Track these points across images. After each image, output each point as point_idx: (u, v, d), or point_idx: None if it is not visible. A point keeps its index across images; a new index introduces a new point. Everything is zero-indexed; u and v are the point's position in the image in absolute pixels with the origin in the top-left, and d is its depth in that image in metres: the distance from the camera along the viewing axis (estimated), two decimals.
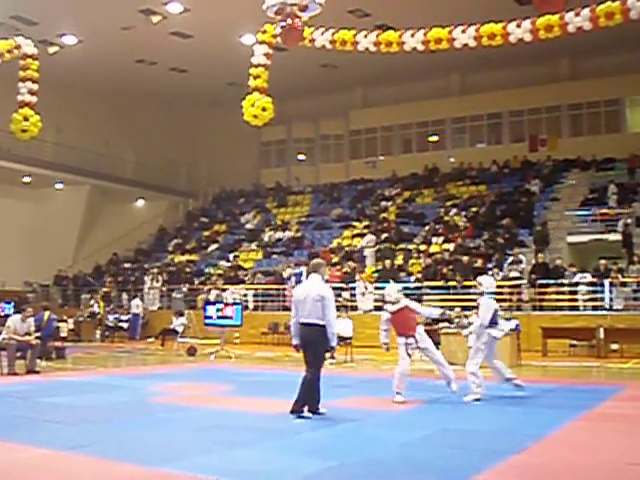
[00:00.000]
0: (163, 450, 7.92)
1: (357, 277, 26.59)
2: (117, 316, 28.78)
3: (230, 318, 21.17)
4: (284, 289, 27.94)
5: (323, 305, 9.93)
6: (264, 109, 17.03)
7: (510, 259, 25.40)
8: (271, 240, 34.54)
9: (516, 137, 37.18)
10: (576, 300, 22.83)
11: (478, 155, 36.97)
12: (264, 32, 17.60)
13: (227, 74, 31.28)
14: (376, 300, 25.58)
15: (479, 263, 25.25)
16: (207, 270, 32.19)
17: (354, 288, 26.27)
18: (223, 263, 32.68)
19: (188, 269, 32.74)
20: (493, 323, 11.72)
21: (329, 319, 9.94)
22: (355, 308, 25.49)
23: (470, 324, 18.73)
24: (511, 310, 21.99)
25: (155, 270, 32.11)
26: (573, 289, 23.01)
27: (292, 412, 9.89)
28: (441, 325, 19.80)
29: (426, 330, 20.58)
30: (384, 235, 30.72)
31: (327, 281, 11.66)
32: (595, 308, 22.46)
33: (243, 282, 29.34)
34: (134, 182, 38.01)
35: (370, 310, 25.27)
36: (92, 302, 30.34)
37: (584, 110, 35.90)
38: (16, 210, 35.16)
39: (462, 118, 38.49)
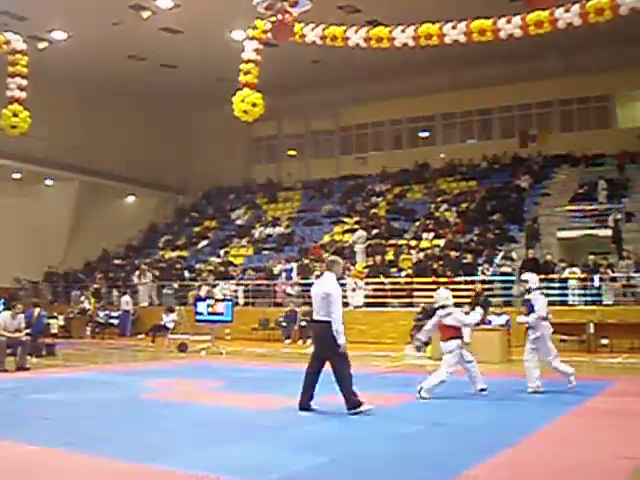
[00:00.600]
0: (154, 446, 7.91)
1: (347, 273, 26.57)
2: (107, 312, 28.71)
3: (221, 314, 21.19)
4: (274, 285, 27.96)
5: (328, 302, 9.94)
6: (254, 105, 17.00)
7: (501, 254, 25.47)
8: (261, 236, 34.51)
9: (506, 133, 37.23)
10: (566, 295, 22.87)
11: (468, 151, 37.01)
12: (254, 28, 17.56)
13: (217, 70, 31.17)
14: (366, 296, 25.62)
15: (469, 259, 25.29)
16: (197, 266, 32.15)
17: (344, 284, 26.25)
18: (213, 259, 32.65)
19: (178, 265, 32.70)
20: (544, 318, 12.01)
21: (334, 317, 9.94)
22: (346, 304, 25.47)
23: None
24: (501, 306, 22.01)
25: (145, 266, 32.05)
26: (563, 284, 23.05)
27: (349, 411, 9.84)
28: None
29: (417, 326, 20.73)
30: (375, 231, 30.72)
31: (340, 278, 11.59)
32: (585, 303, 22.53)
33: (233, 278, 29.31)
34: (124, 178, 37.85)
35: (360, 306, 25.28)
36: (82, 299, 30.30)
37: (574, 106, 35.98)
38: (6, 206, 34.97)
39: (452, 114, 38.55)
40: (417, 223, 30.82)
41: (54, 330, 23.24)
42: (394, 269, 26.85)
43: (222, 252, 33.35)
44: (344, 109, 40.63)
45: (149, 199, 41.55)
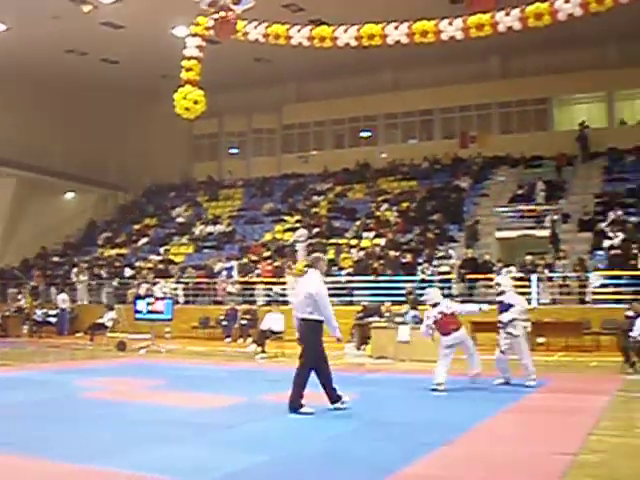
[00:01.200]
0: (92, 446, 7.81)
1: (288, 271, 26.61)
2: (45, 311, 28.24)
3: (160, 312, 21.06)
4: (215, 283, 27.84)
5: (315, 301, 9.97)
6: (196, 102, 16.88)
7: (440, 254, 25.73)
8: (202, 234, 34.35)
9: (447, 134, 37.60)
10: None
11: (410, 151, 37.27)
12: (197, 24, 17.43)
13: (159, 66, 30.90)
14: None
15: (409, 258, 25.50)
16: (137, 264, 31.85)
17: (285, 282, 26.27)
18: (153, 257, 32.38)
19: (118, 263, 32.36)
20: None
21: (325, 314, 10.05)
22: (287, 302, 25.48)
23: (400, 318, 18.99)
24: None
25: (84, 264, 31.66)
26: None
27: (332, 403, 10.04)
28: (371, 319, 19.96)
29: (357, 324, 20.84)
30: (316, 230, 30.79)
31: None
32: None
33: (173, 276, 29.11)
34: (63, 174, 37.30)
35: None
36: (19, 296, 29.82)
37: (513, 108, 36.49)
38: None
39: (394, 114, 38.78)
40: (358, 222, 30.96)
41: None
42: (335, 268, 26.93)
43: (162, 250, 33.11)
44: (286, 108, 40.63)
45: (88, 196, 40.98)
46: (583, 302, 22.52)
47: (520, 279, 23.02)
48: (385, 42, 15.93)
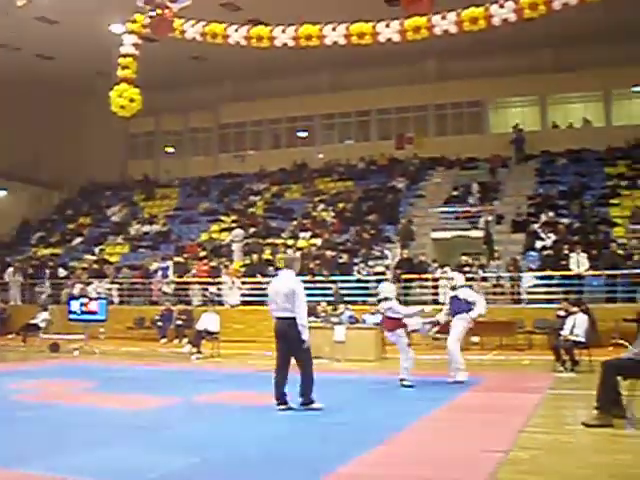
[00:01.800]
0: (21, 450, 7.70)
1: (224, 271, 26.53)
2: None
3: (94, 313, 20.83)
4: (150, 283, 27.61)
5: (294, 298, 10.16)
6: (132, 100, 16.72)
7: (375, 254, 25.89)
8: (138, 233, 34.04)
9: (383, 135, 37.77)
10: (438, 294, 23.37)
11: (346, 152, 37.41)
12: (134, 22, 17.27)
13: (95, 63, 30.48)
14: (243, 295, 25.61)
15: (345, 258, 25.61)
16: (72, 264, 31.40)
17: (221, 283, 26.20)
18: (88, 257, 31.97)
19: (52, 263, 31.86)
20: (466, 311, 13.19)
21: (298, 312, 10.17)
22: (222, 303, 25.42)
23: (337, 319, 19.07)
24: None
25: (17, 264, 31.12)
26: (436, 284, 23.56)
27: (302, 404, 10.19)
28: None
29: None
30: (252, 229, 30.74)
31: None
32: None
33: (108, 276, 28.77)
34: None
35: (237, 305, 25.26)
36: None
37: (449, 110, 36.91)
38: None
39: (331, 115, 38.89)
40: (294, 222, 31.00)
41: None
42: (271, 268, 26.90)
43: (97, 250, 32.72)
44: (223, 107, 40.45)
45: (22, 194, 40.23)
46: (516, 302, 22.87)
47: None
48: (323, 43, 15.97)
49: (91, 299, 22.00)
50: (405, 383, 12.45)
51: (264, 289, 25.31)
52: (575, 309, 15.35)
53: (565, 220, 26.44)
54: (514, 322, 20.67)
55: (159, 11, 15.20)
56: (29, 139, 36.75)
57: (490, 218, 27.59)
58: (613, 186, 29.02)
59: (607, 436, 8.27)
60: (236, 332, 23.44)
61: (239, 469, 6.86)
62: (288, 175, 36.99)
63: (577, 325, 14.75)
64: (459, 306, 13.48)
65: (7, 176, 37.30)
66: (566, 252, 23.36)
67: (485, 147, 33.42)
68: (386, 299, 12.80)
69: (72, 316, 21.16)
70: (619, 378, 8.94)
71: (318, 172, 36.56)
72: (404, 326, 12.89)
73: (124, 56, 16.95)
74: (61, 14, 28.13)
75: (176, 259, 28.68)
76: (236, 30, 16.54)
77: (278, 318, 10.41)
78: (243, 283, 25.89)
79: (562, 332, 15.01)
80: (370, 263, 25.30)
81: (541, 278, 23.05)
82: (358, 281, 23.83)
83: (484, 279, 23.47)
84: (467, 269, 23.20)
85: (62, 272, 30.30)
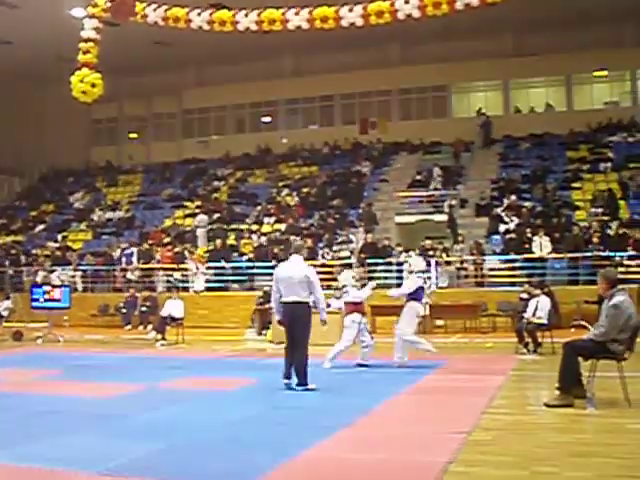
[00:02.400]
0: None
1: (188, 257, 26.45)
2: None
3: (58, 301, 20.67)
4: (114, 270, 27.45)
5: (310, 284, 10.63)
6: (93, 85, 16.56)
7: (340, 239, 25.95)
8: (101, 220, 33.81)
9: (347, 119, 37.82)
10: (402, 278, 23.45)
11: (310, 136, 37.42)
12: (95, 5, 17.09)
13: (56, 48, 30.09)
14: (207, 280, 25.57)
15: (309, 243, 25.63)
16: (34, 251, 31.10)
17: (186, 269, 26.13)
18: (51, 244, 31.67)
19: (14, 250, 31.52)
20: (416, 298, 13.27)
21: (318, 297, 10.74)
22: (186, 289, 25.36)
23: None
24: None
25: None
26: (400, 268, 23.65)
27: (298, 385, 10.53)
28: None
29: (258, 310, 20.91)
30: (216, 215, 30.67)
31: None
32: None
33: (71, 263, 28.54)
34: None
35: (202, 291, 25.22)
36: None
37: (413, 95, 37.04)
38: None
39: (295, 100, 38.87)
40: (259, 208, 30.98)
41: None
42: (235, 253, 26.90)
43: (60, 237, 32.43)
44: (187, 92, 40.24)
45: None
46: (479, 285, 23.06)
47: None
48: (286, 27, 15.94)
49: (54, 287, 21.82)
50: (326, 364, 12.78)
51: (228, 274, 25.49)
52: (538, 292, 15.49)
53: (528, 204, 26.69)
54: (478, 305, 20.85)
55: None
56: None
57: (454, 202, 27.79)
58: (575, 170, 29.34)
59: (568, 416, 8.39)
60: (201, 318, 23.42)
61: (204, 454, 6.86)
62: (252, 160, 36.93)
63: (540, 308, 14.89)
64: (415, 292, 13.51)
65: None
66: (529, 235, 23.59)
67: (448, 131, 33.58)
68: (344, 286, 13.21)
69: (35, 304, 20.97)
70: (580, 359, 9.08)
71: (282, 157, 36.56)
72: (359, 312, 13.24)
73: (85, 41, 16.77)
74: None
75: (140, 246, 28.50)
76: (199, 14, 16.45)
77: (289, 302, 10.68)
78: (208, 269, 25.83)
79: (525, 315, 15.15)
80: (335, 248, 25.36)
81: (504, 261, 23.26)
82: (322, 265, 23.87)
83: (448, 263, 23.63)
84: (431, 253, 23.38)
85: (24, 259, 30.00)
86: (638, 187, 26.51)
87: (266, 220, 29.72)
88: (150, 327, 21.31)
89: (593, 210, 25.73)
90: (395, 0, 14.78)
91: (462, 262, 23.76)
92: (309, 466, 6.46)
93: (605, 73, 34.32)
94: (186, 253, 26.89)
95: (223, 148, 38.16)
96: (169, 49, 33.88)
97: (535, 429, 7.87)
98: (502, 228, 25.22)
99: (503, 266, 23.25)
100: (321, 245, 25.78)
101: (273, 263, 24.19)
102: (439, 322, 21.14)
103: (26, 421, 8.61)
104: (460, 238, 24.74)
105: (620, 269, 19.72)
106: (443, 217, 26.88)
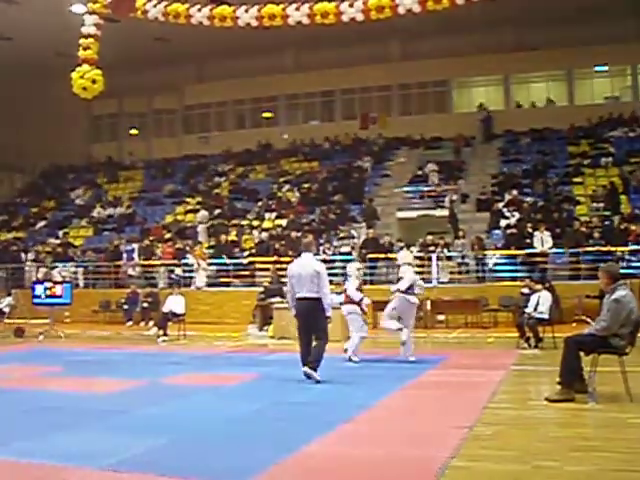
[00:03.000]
0: None
1: (190, 253, 26.44)
2: None
3: (59, 297, 20.67)
4: (116, 266, 27.44)
5: (319, 279, 10.81)
6: (94, 81, 16.58)
7: (342, 234, 25.95)
8: (102, 216, 33.80)
9: (348, 115, 37.81)
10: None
11: (311, 132, 37.42)
12: (95, 2, 17.11)
13: (56, 44, 30.05)
14: (209, 276, 25.57)
15: (310, 238, 25.59)
16: (35, 248, 31.11)
17: (187, 264, 26.12)
18: (52, 240, 31.68)
19: (15, 247, 31.53)
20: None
21: (325, 292, 10.87)
22: (188, 285, 25.36)
23: None
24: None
25: None
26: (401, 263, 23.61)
27: (308, 366, 10.71)
28: (273, 300, 20.01)
29: (259, 305, 20.90)
30: (217, 211, 30.66)
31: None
32: (423, 281, 23.16)
33: (73, 259, 28.56)
34: None
35: (203, 287, 25.22)
36: None
37: (413, 90, 37.01)
38: None
39: (295, 95, 38.83)
40: (259, 203, 30.97)
41: None
42: (237, 249, 26.89)
43: (61, 233, 32.43)
44: (187, 88, 40.24)
45: None
46: (481, 280, 23.05)
47: (420, 258, 23.42)
48: (286, 23, 15.97)
49: (56, 283, 21.83)
50: (353, 359, 12.87)
51: (230, 270, 25.49)
52: (539, 287, 15.48)
53: (529, 199, 26.67)
54: (479, 300, 20.85)
55: None
56: None
57: (455, 197, 27.78)
58: (576, 165, 29.32)
59: (569, 410, 8.39)
60: (203, 314, 23.42)
61: (206, 449, 6.87)
62: (253, 156, 36.92)
63: (541, 302, 14.89)
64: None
65: None
66: (530, 230, 23.54)
67: (449, 126, 33.57)
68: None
69: (36, 300, 20.97)
70: (581, 354, 9.08)
71: (283, 153, 36.53)
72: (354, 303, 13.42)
73: (85, 37, 16.80)
74: None
75: (141, 242, 28.49)
76: (199, 10, 16.49)
77: (303, 299, 10.90)
78: (209, 265, 25.84)
79: (526, 310, 15.14)
80: (335, 243, 25.36)
81: (505, 257, 23.25)
82: (324, 261, 23.82)
83: (449, 258, 23.63)
84: (432, 248, 23.39)
85: (25, 256, 30.01)
86: (639, 182, 26.48)
87: (267, 216, 29.71)
88: (151, 323, 21.32)
89: (594, 205, 25.72)
90: None
91: (463, 257, 23.76)
92: (310, 461, 6.46)
93: (606, 68, 34.33)
94: (187, 249, 26.89)
95: (224, 144, 38.14)
96: (169, 45, 33.84)
97: (536, 424, 7.87)
98: (503, 223, 25.19)
99: (504, 261, 23.24)
100: (322, 241, 25.75)
101: (274, 259, 24.27)
102: (440, 317, 21.15)
103: (28, 417, 8.61)
104: (461, 233, 24.72)
105: (621, 264, 19.75)
106: (444, 212, 26.89)
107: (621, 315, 8.82)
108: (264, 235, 27.19)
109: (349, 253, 24.38)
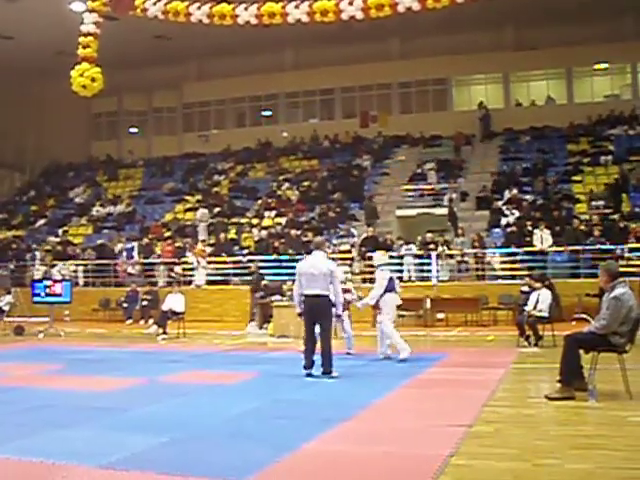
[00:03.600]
0: None
1: (189, 252, 26.44)
2: None
3: (59, 295, 20.68)
4: (115, 265, 27.44)
5: (333, 278, 11.10)
6: (93, 79, 16.56)
7: (341, 232, 25.95)
8: (101, 214, 33.79)
9: (348, 113, 37.82)
10: (403, 272, 23.48)
11: (310, 130, 37.40)
12: (94, 0, 17.11)
13: (56, 42, 30.03)
14: (209, 274, 25.57)
15: (310, 237, 25.62)
16: (35, 246, 31.10)
17: (187, 263, 26.12)
18: (52, 239, 31.67)
19: (15, 245, 31.52)
20: (390, 290, 13.20)
21: (337, 290, 11.23)
22: (188, 283, 25.36)
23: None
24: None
25: None
26: (401, 261, 23.66)
27: (324, 373, 10.98)
28: (272, 298, 20.01)
29: (259, 303, 20.90)
30: (217, 209, 30.66)
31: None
32: (422, 279, 23.23)
33: (72, 258, 28.55)
34: None
35: (203, 285, 25.22)
36: None
37: (413, 88, 36.99)
38: None
39: (295, 93, 38.83)
40: (259, 201, 30.98)
41: None
42: (236, 247, 26.90)
43: (61, 231, 32.44)
44: (187, 86, 40.24)
45: None
46: (481, 278, 23.05)
47: (420, 257, 23.45)
48: (286, 21, 15.94)
49: (55, 281, 21.82)
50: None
51: (229, 268, 25.48)
52: (539, 285, 15.47)
53: (528, 197, 26.70)
54: (479, 298, 20.85)
55: None
56: None
57: (454, 195, 27.78)
58: (575, 163, 29.32)
59: (569, 408, 8.38)
60: (202, 312, 23.43)
61: (205, 448, 6.86)
62: (252, 154, 36.92)
63: (541, 301, 14.89)
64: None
65: None
66: (530, 228, 23.57)
67: (449, 125, 33.59)
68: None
69: (36, 298, 20.99)
70: (581, 351, 9.08)
71: (282, 151, 36.53)
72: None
73: (85, 35, 16.77)
74: None
75: (141, 240, 28.49)
76: (198, 8, 16.46)
77: (311, 295, 11.06)
78: (209, 263, 25.83)
79: (526, 308, 15.14)
80: (335, 242, 25.36)
81: (505, 255, 23.25)
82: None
83: (449, 256, 23.63)
84: (432, 246, 23.40)
85: (25, 254, 30.00)
86: (639, 180, 26.47)
87: (267, 214, 29.71)
88: (151, 321, 21.32)
89: (594, 203, 25.71)
90: None
91: (463, 255, 23.76)
92: (310, 459, 6.45)
93: (606, 66, 34.30)
94: (187, 247, 26.89)
95: (223, 142, 38.14)
96: (169, 43, 33.83)
97: (536, 422, 7.87)
98: (503, 221, 25.22)
99: (504, 259, 23.24)
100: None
101: (274, 257, 24.27)
102: (440, 315, 21.14)
103: (27, 415, 8.60)
104: (460, 231, 24.73)
105: (621, 262, 19.74)
106: (444, 210, 26.90)
107: (621, 313, 8.81)
108: (264, 233, 27.20)
109: (349, 251, 24.37)
